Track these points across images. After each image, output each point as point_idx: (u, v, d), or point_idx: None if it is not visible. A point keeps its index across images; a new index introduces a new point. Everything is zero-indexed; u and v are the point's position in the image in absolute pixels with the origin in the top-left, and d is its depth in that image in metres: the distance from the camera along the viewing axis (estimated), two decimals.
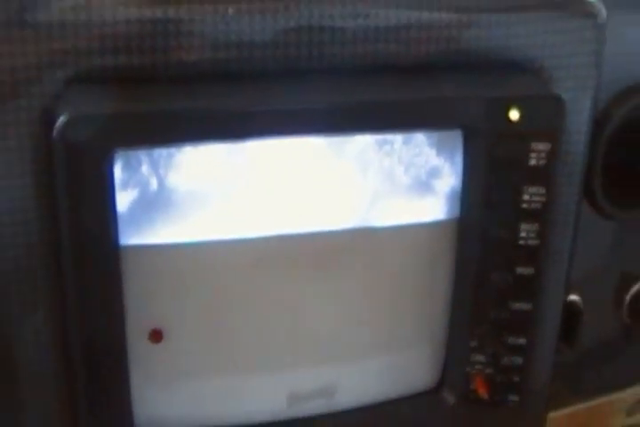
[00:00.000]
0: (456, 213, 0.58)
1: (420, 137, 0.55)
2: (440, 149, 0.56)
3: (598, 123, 0.64)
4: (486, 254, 0.57)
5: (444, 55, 0.55)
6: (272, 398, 0.59)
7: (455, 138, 0.55)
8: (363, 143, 0.54)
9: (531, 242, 0.57)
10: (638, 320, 0.77)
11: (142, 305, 0.53)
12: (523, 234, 0.56)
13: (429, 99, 0.53)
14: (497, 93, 0.54)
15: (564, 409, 0.77)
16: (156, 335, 0.54)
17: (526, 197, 0.56)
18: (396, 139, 0.55)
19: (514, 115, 0.53)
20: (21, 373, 0.54)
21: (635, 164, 0.70)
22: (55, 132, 0.46)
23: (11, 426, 0.55)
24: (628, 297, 0.75)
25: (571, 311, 0.71)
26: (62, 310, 0.52)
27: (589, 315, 0.72)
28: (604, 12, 0.57)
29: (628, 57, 0.65)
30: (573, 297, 0.71)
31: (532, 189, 0.55)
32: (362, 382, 0.61)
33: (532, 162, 0.55)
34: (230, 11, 0.49)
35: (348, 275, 0.57)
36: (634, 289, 0.75)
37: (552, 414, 0.75)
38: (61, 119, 0.46)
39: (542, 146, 0.54)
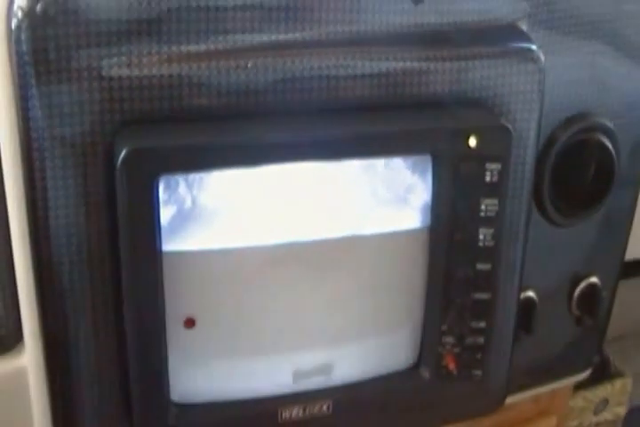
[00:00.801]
0: (427, 221, 0.64)
1: (398, 161, 0.62)
2: (414, 170, 0.63)
3: (546, 146, 0.71)
4: (452, 254, 0.63)
5: (416, 96, 0.62)
6: (281, 374, 0.65)
7: (426, 161, 0.63)
8: (352, 167, 0.61)
9: (487, 243, 0.63)
10: (586, 312, 0.81)
11: (179, 298, 0.60)
12: (481, 237, 0.63)
13: (405, 131, 0.61)
14: (459, 125, 0.61)
15: (527, 391, 0.83)
16: (190, 322, 0.61)
17: (483, 207, 0.63)
18: (379, 163, 0.62)
19: (472, 142, 0.61)
20: (82, 357, 0.61)
21: (577, 179, 0.75)
22: (118, 162, 0.55)
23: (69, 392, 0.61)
24: (576, 292, 0.80)
25: (527, 305, 0.76)
26: (118, 304, 0.59)
27: (544, 308, 0.77)
28: (542, 57, 0.65)
29: (569, 91, 0.71)
30: (530, 293, 0.77)
31: (488, 201, 0.62)
32: (354, 361, 0.67)
33: (487, 179, 0.62)
34: (249, 64, 0.58)
35: (341, 273, 0.63)
36: (581, 286, 0.80)
37: (517, 397, 0.81)
38: (123, 153, 0.55)
39: (495, 166, 0.61)
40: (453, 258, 0.64)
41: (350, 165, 0.61)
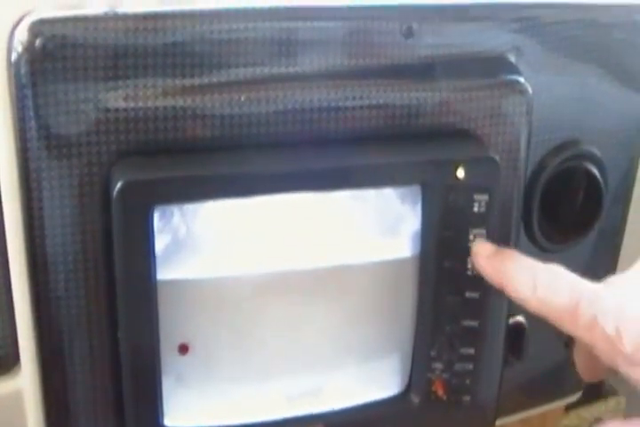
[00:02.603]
0: (417, 250, 0.64)
1: (388, 191, 0.63)
2: (404, 200, 0.63)
3: (534, 173, 0.70)
4: (441, 282, 0.63)
5: (406, 127, 0.62)
6: (272, 400, 0.65)
7: (416, 191, 0.63)
8: (343, 197, 0.62)
9: (476, 272, 0.62)
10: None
11: (173, 325, 0.60)
12: (469, 266, 0.63)
13: (396, 162, 0.61)
14: (447, 157, 0.62)
15: (518, 414, 0.81)
16: (184, 349, 0.62)
17: (471, 236, 0.62)
18: (370, 193, 0.62)
19: (460, 173, 0.61)
20: (78, 381, 0.62)
21: (566, 206, 0.75)
22: (113, 194, 0.56)
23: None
24: None
25: (517, 330, 0.75)
26: (114, 329, 0.59)
27: (534, 332, 0.76)
28: (530, 90, 0.65)
29: (557, 120, 0.71)
30: (519, 318, 0.75)
31: (476, 231, 0.62)
32: (344, 387, 0.67)
33: (475, 209, 0.62)
34: (243, 98, 0.60)
35: (331, 301, 0.63)
36: None
37: (507, 420, 0.80)
38: (118, 184, 0.56)
39: (482, 197, 0.62)
40: (442, 286, 0.64)
41: (341, 195, 0.62)
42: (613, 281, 0.53)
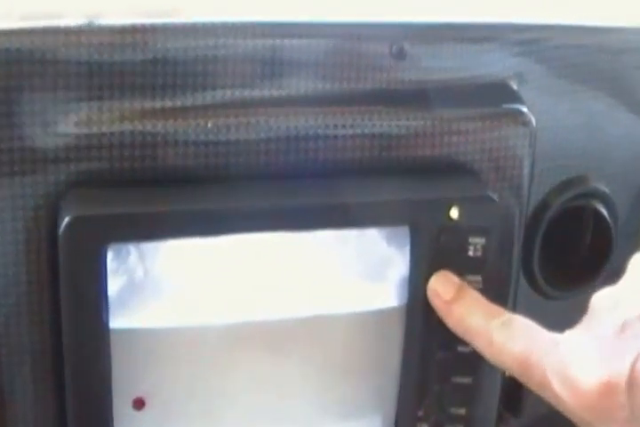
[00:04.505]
0: (404, 299, 0.59)
1: (372, 232, 0.58)
2: (390, 242, 0.58)
3: (536, 212, 0.67)
4: (431, 336, 0.59)
5: (395, 160, 0.58)
6: None
7: (404, 233, 0.58)
8: (323, 237, 0.57)
9: None
10: None
11: (128, 377, 0.56)
12: None
13: (381, 200, 0.57)
14: (439, 195, 0.57)
15: None
16: (139, 403, 0.57)
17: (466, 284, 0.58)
18: (352, 233, 0.58)
19: (454, 213, 0.57)
20: None
21: (571, 249, 0.71)
22: (60, 230, 0.51)
23: None
24: None
25: (514, 384, 0.66)
26: (61, 383, 0.55)
27: None
28: (533, 121, 0.61)
29: (564, 153, 0.68)
30: None
31: (470, 277, 0.58)
32: None
33: (470, 253, 0.58)
34: (210, 124, 0.54)
35: (306, 354, 0.59)
36: None
37: None
38: (66, 220, 0.51)
39: (478, 240, 0.57)
40: (431, 340, 0.59)
41: (319, 235, 0.57)
42: (576, 329, 0.51)
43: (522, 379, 0.52)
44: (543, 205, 0.68)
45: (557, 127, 0.66)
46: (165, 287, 0.55)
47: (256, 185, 0.55)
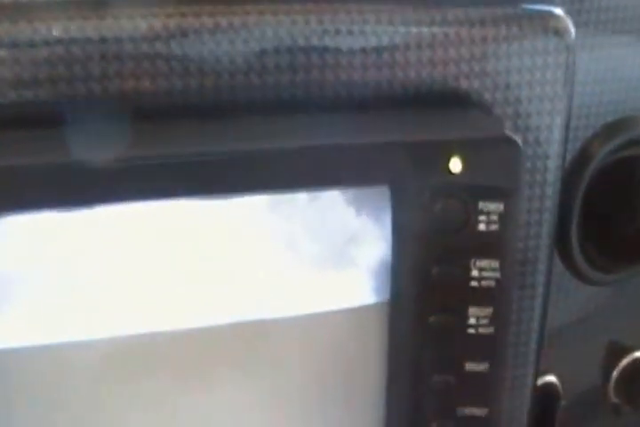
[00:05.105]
0: (385, 294, 0.48)
1: (332, 195, 0.45)
2: (360, 210, 0.46)
3: (573, 167, 0.59)
4: (425, 349, 0.48)
5: (373, 85, 0.46)
6: None
7: (380, 196, 0.45)
8: (251, 205, 0.44)
9: (483, 331, 0.47)
10: (628, 398, 0.71)
11: None
12: (472, 321, 0.47)
13: (346, 146, 0.43)
14: (434, 137, 0.45)
15: None
16: None
17: (475, 272, 0.46)
18: (299, 198, 0.45)
19: (455, 165, 0.44)
20: None
21: (620, 217, 0.64)
22: None
23: None
24: (615, 373, 0.70)
25: (546, 395, 0.65)
26: None
27: (570, 397, 0.67)
28: (571, 28, 0.49)
29: (612, 85, 0.60)
30: (549, 378, 0.65)
31: (482, 263, 0.46)
32: None
33: (481, 227, 0.45)
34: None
35: (235, 379, 0.47)
36: (622, 363, 0.70)
37: None
38: None
39: (493, 206, 0.45)
40: (426, 356, 0.47)
41: (248, 202, 0.44)
42: None
43: None
44: (582, 157, 0.59)
45: (601, 57, 0.58)
46: (12, 289, 0.42)
47: (158, 126, 0.43)
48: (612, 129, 0.60)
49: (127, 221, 0.42)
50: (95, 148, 0.40)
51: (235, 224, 0.44)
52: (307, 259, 0.46)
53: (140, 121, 0.42)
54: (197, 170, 0.41)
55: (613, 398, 0.70)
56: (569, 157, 0.57)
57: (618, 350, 0.69)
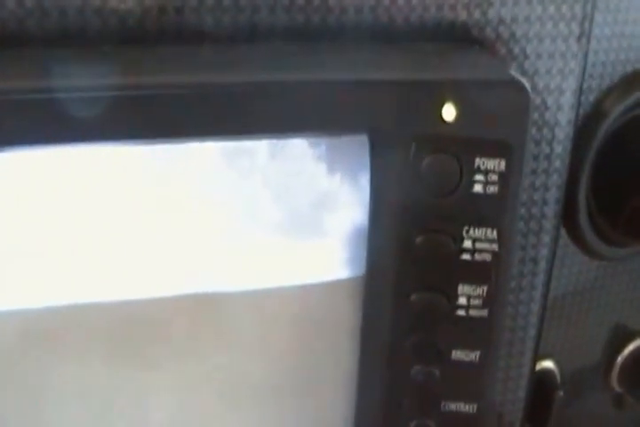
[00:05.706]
0: (360, 268, 0.43)
1: (299, 146, 0.40)
2: (332, 166, 0.41)
3: (585, 125, 0.54)
4: (405, 334, 0.44)
5: (351, 18, 0.41)
6: None
7: (357, 148, 0.41)
8: (202, 157, 0.39)
9: (474, 313, 0.43)
10: (631, 388, 0.68)
11: None
12: (461, 301, 0.43)
13: (316, 82, 0.39)
14: (424, 76, 0.40)
15: None
16: None
17: (467, 243, 0.42)
18: (259, 149, 0.39)
19: (448, 112, 0.40)
20: None
21: (634, 184, 0.59)
22: None
23: None
24: (619, 360, 0.66)
25: (543, 382, 0.61)
26: None
27: (569, 385, 0.63)
28: None
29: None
30: (547, 364, 0.62)
31: (477, 232, 0.42)
32: None
33: (477, 188, 0.41)
34: None
35: (178, 358, 0.43)
36: (627, 350, 0.67)
37: None
38: None
39: (492, 164, 0.41)
40: (407, 341, 0.43)
41: (200, 156, 0.39)
42: None
43: None
44: (595, 114, 0.54)
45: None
46: None
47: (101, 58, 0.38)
48: (626, 84, 0.55)
49: (78, 165, 0.37)
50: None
51: (182, 180, 0.39)
52: (269, 225, 0.42)
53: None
54: (130, 106, 0.36)
55: (616, 388, 0.66)
56: (581, 113, 0.53)
57: (624, 335, 0.65)
